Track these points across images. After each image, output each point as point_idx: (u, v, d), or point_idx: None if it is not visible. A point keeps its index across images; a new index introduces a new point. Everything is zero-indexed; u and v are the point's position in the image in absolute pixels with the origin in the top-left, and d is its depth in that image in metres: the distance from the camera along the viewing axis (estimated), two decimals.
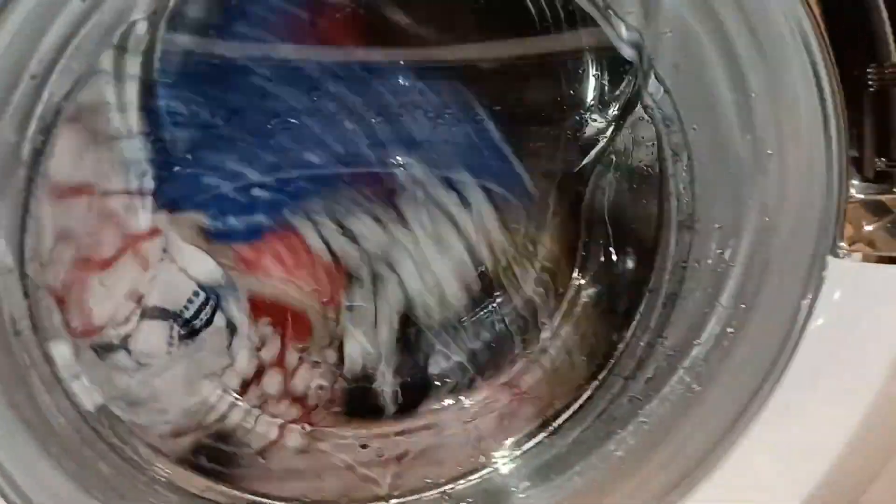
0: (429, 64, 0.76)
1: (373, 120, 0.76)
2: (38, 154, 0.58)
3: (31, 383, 0.61)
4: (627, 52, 0.71)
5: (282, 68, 0.73)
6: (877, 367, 0.62)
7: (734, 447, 0.65)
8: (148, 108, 0.70)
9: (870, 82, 0.58)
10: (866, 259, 0.61)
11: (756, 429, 0.64)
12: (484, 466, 0.80)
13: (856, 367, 0.62)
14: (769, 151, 0.65)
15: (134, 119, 0.69)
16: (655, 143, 0.74)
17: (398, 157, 0.77)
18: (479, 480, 0.79)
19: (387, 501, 0.77)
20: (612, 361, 0.79)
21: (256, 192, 0.76)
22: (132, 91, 0.67)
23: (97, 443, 0.65)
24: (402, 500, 0.77)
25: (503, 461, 0.80)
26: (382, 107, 0.76)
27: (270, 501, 0.76)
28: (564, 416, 0.80)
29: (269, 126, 0.75)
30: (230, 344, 0.79)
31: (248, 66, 0.72)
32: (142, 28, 0.66)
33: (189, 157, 0.74)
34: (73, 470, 0.60)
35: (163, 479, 0.69)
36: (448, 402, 0.84)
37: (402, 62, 0.75)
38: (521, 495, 0.76)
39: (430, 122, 0.77)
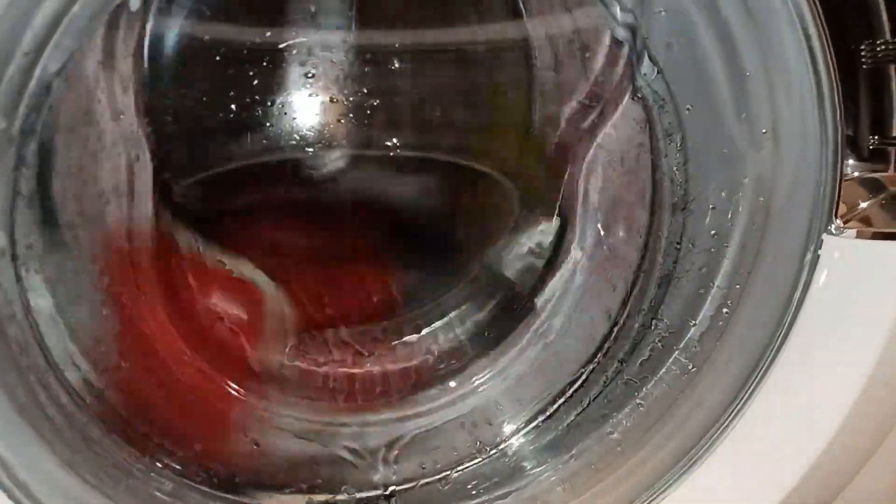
0: (421, 47, 0.76)
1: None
2: (29, 133, 0.57)
3: (24, 368, 0.60)
4: (621, 33, 0.71)
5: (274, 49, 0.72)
6: (872, 344, 0.62)
7: (731, 426, 0.65)
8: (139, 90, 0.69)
9: (864, 59, 0.59)
10: (861, 236, 0.62)
11: (752, 407, 0.65)
12: (480, 452, 0.79)
13: (852, 345, 0.62)
14: (763, 130, 0.65)
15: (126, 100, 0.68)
16: (647, 124, 0.74)
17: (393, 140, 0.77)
18: (475, 466, 0.79)
19: (383, 488, 0.77)
20: (607, 344, 0.79)
21: None
22: (124, 70, 0.66)
23: (91, 427, 0.65)
24: (398, 486, 0.77)
25: (500, 445, 0.80)
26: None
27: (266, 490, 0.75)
28: (560, 400, 0.79)
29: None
30: None
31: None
32: (135, 4, 0.65)
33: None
34: (67, 456, 0.59)
35: (159, 466, 0.68)
36: (441, 386, 0.84)
37: (396, 45, 0.75)
38: (518, 479, 0.76)
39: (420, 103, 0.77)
